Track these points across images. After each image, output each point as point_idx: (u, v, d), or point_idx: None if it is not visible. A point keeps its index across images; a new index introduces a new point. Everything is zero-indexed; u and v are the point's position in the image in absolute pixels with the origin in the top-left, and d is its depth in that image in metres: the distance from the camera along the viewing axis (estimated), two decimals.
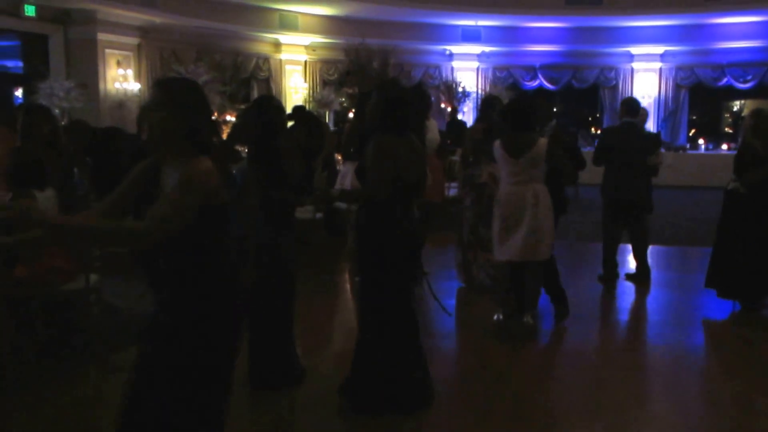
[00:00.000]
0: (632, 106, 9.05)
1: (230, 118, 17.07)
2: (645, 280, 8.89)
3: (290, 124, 8.02)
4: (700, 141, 22.42)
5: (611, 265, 8.92)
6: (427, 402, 5.14)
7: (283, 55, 20.95)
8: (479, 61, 22.87)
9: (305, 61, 21.48)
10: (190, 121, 3.09)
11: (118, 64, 16.33)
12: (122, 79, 16.36)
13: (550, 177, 6.75)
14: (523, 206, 6.53)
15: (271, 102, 5.63)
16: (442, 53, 22.69)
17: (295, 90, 20.91)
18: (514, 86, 22.50)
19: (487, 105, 8.63)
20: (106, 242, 3.03)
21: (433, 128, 8.91)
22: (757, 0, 18.59)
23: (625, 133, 8.82)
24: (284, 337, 5.49)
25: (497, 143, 6.72)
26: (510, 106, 6.90)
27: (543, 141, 6.55)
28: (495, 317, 7.00)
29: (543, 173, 6.64)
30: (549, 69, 22.79)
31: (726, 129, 24.49)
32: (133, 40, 16.77)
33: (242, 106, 18.75)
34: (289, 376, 5.50)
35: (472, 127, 8.91)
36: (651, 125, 22.00)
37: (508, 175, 6.66)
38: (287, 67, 21.10)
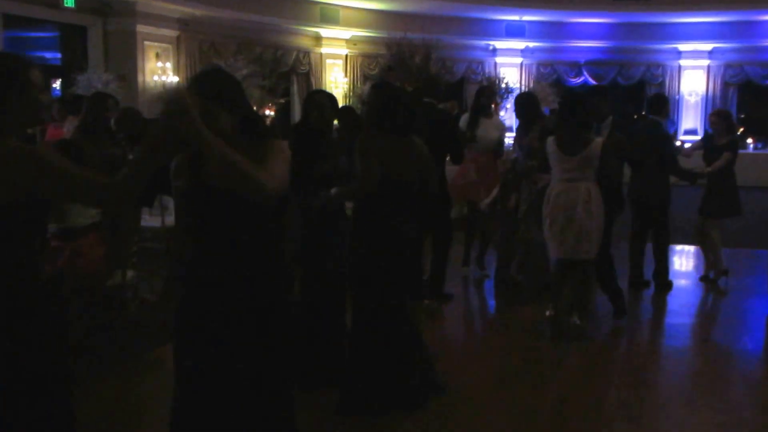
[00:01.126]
0: (654, 102, 8.62)
1: (269, 112, 16.93)
2: (661, 286, 8.40)
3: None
4: (749, 140, 21.88)
5: (649, 269, 8.49)
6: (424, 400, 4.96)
7: (324, 49, 20.72)
8: (523, 56, 22.52)
9: (346, 55, 21.24)
10: (240, 112, 2.95)
11: (157, 56, 16.21)
12: (161, 71, 16.24)
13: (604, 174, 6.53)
14: (574, 204, 6.30)
15: (309, 100, 5.43)
16: (486, 48, 22.36)
17: (336, 84, 20.66)
18: (559, 83, 22.10)
19: (530, 101, 8.30)
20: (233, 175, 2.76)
21: (490, 126, 8.42)
22: None
23: (642, 131, 8.41)
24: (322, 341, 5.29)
25: (550, 140, 6.49)
26: (565, 104, 6.64)
27: (599, 141, 6.33)
28: (547, 313, 6.72)
29: (595, 172, 6.38)
30: (594, 65, 22.43)
31: None
32: (172, 33, 16.66)
33: (282, 101, 18.67)
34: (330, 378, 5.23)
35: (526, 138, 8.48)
36: (698, 124, 21.67)
37: (560, 172, 6.42)
38: (327, 62, 20.86)
